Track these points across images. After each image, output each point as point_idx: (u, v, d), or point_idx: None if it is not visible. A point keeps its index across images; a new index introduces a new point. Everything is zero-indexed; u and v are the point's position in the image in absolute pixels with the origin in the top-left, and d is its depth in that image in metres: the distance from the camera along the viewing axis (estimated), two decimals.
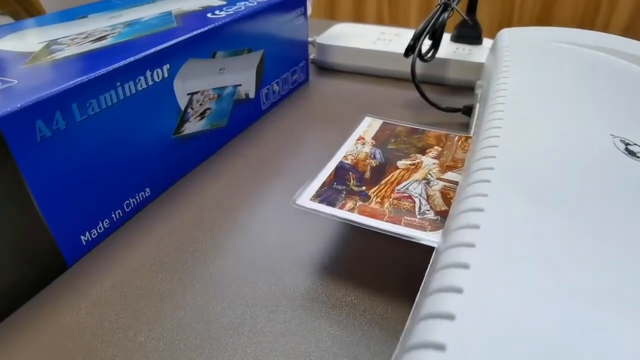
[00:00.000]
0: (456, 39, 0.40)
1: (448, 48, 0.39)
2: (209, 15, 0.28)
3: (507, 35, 0.30)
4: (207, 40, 0.25)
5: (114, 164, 0.21)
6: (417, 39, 0.32)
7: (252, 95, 0.31)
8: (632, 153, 0.17)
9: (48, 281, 0.19)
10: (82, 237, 0.20)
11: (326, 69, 0.42)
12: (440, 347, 0.09)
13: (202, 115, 0.26)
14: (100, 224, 0.21)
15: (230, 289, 0.19)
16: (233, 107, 0.29)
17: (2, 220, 0.16)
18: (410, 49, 0.32)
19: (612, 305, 0.10)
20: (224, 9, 0.29)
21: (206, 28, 0.25)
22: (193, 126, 0.26)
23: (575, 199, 0.14)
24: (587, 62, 0.26)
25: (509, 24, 1.57)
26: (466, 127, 0.31)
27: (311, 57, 0.43)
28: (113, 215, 0.22)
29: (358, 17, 1.34)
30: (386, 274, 0.19)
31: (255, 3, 0.30)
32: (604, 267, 0.11)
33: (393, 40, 0.41)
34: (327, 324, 0.17)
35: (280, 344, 0.16)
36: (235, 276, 0.19)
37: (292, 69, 0.36)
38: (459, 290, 0.10)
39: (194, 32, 0.24)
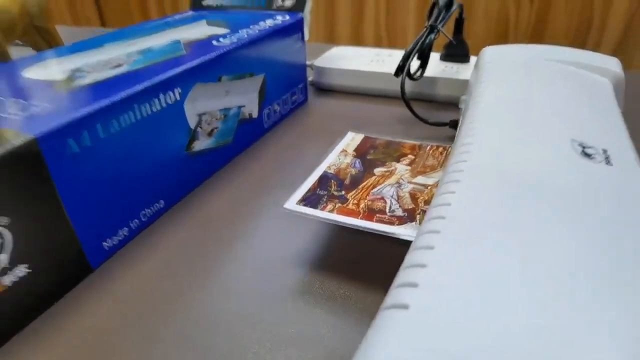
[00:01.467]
0: (445, 57, 0.43)
1: (437, 67, 0.42)
2: (214, 42, 0.30)
3: (489, 52, 0.33)
4: (213, 66, 0.28)
5: (133, 177, 0.23)
6: (405, 59, 0.35)
7: (255, 115, 0.33)
8: (587, 155, 0.19)
9: (76, 282, 0.21)
10: (104, 243, 0.22)
11: (324, 90, 0.45)
12: (405, 307, 0.11)
13: (210, 133, 0.29)
14: (120, 232, 0.23)
15: (237, 287, 0.21)
16: (238, 126, 0.32)
17: (37, 226, 0.19)
18: (400, 69, 0.35)
19: (553, 269, 0.12)
20: (227, 36, 0.32)
21: (212, 55, 0.28)
22: (202, 143, 0.28)
23: (532, 194, 0.16)
24: (558, 75, 0.28)
25: (505, 40, 1.60)
26: (453, 140, 0.34)
27: (310, 79, 0.46)
28: (131, 224, 0.24)
29: (357, 40, 1.38)
30: (373, 269, 0.22)
31: (257, 31, 0.33)
32: (548, 242, 0.13)
33: (386, 61, 0.44)
34: (323, 313, 0.19)
35: (281, 330, 0.19)
36: (240, 276, 0.22)
37: (291, 91, 0.38)
38: (423, 265, 0.13)
39: (202, 59, 0.27)
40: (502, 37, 1.70)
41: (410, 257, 0.13)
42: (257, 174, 0.30)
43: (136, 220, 0.24)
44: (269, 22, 0.36)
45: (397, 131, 0.35)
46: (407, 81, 0.40)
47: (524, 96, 0.25)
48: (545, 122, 0.22)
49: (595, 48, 1.63)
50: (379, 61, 0.44)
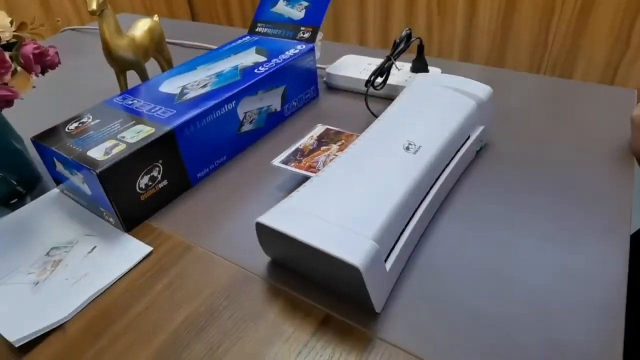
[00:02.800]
0: (412, 69, 0.65)
1: (404, 76, 0.63)
2: (255, 70, 0.55)
3: (417, 78, 0.55)
4: (254, 86, 0.53)
5: (211, 145, 0.49)
6: (371, 76, 0.57)
7: (278, 109, 0.58)
8: (407, 149, 0.42)
9: (185, 190, 0.48)
10: (198, 174, 0.49)
11: (333, 88, 0.68)
12: (291, 197, 0.36)
13: (250, 122, 0.54)
14: (205, 170, 0.50)
15: (257, 193, 0.46)
16: (267, 117, 0.56)
17: (170, 164, 0.45)
18: (367, 82, 0.58)
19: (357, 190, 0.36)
20: (264, 64, 0.56)
21: (253, 80, 0.53)
22: (245, 128, 0.54)
23: (363, 166, 0.39)
24: (438, 98, 0.49)
25: (547, 30, 1.71)
26: None
27: (324, 79, 0.69)
28: (210, 166, 0.50)
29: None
30: None
31: (282, 60, 0.57)
32: (354, 181, 0.37)
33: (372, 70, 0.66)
34: None
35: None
36: (261, 192, 0.47)
37: (305, 92, 0.62)
38: (305, 186, 0.37)
39: (247, 83, 0.52)
40: (545, 27, 1.80)
41: (303, 184, 0.38)
42: (279, 145, 0.55)
43: (212, 165, 0.50)
44: (292, 51, 0.59)
45: (362, 120, 0.59)
46: (376, 90, 0.63)
47: (404, 111, 0.47)
48: (403, 129, 0.44)
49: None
50: (368, 70, 0.66)
